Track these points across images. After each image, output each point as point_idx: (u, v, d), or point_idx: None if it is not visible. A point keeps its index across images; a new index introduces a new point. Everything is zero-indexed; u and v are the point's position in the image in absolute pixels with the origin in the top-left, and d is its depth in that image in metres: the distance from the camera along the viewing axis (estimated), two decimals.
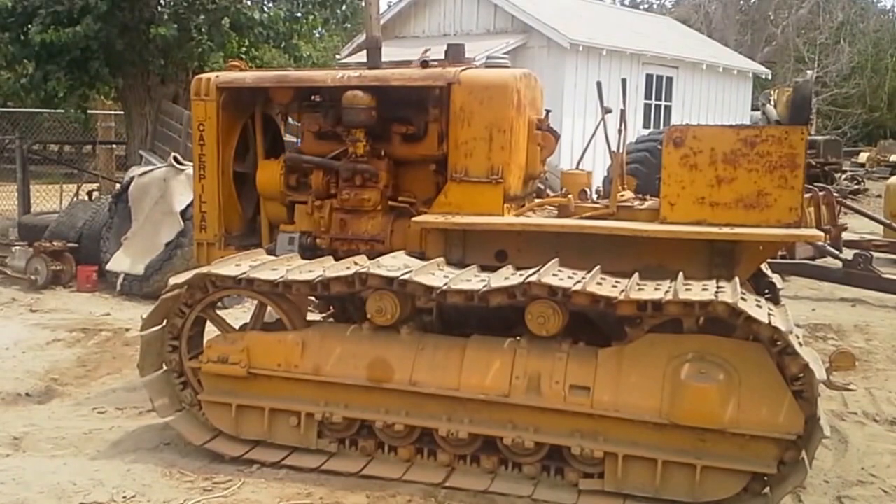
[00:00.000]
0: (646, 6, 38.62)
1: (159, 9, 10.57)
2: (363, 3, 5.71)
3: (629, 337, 3.71)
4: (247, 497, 3.68)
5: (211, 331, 4.37)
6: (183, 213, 7.68)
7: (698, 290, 3.56)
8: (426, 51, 4.49)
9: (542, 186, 5.02)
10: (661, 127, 15.69)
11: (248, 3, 11.50)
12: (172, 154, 8.28)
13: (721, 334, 3.63)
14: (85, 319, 7.06)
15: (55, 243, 8.42)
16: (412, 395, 3.84)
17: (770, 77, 22.74)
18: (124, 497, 3.66)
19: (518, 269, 3.92)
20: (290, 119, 5.06)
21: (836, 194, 10.61)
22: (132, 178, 8.36)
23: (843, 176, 21.00)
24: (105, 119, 14.64)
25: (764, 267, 4.69)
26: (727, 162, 3.91)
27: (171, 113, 11.01)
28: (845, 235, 10.25)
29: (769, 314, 3.45)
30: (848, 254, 8.69)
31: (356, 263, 3.98)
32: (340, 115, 4.40)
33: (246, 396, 4.06)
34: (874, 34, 32.97)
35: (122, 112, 12.50)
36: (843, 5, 32.07)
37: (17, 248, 8.60)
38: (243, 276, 3.90)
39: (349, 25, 18.04)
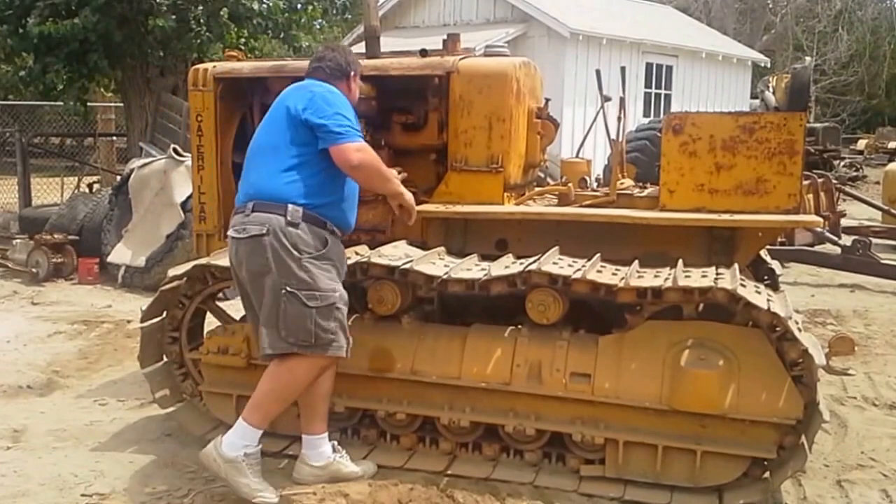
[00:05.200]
0: None
1: (157, 0, 10.54)
2: None
3: (629, 324, 3.72)
4: None
5: (211, 322, 4.38)
6: (183, 204, 7.68)
7: (698, 277, 3.57)
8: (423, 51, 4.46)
9: (542, 175, 5.02)
10: (661, 115, 15.67)
11: None
12: (172, 146, 8.27)
13: (721, 320, 3.64)
14: (86, 312, 7.07)
15: (56, 236, 8.43)
16: (414, 385, 3.85)
17: (769, 65, 22.69)
18: (125, 488, 3.67)
19: (518, 257, 3.93)
20: None
21: (834, 181, 10.59)
22: (132, 171, 8.36)
23: (842, 163, 20.96)
24: (105, 111, 14.62)
25: (763, 253, 4.70)
26: (726, 149, 3.90)
27: (170, 104, 10.97)
28: (844, 222, 10.24)
29: (768, 300, 3.45)
30: (847, 240, 8.68)
31: (357, 253, 3.97)
32: None
33: (246, 387, 4.03)
34: (872, 22, 32.81)
35: (121, 104, 12.48)
36: None
37: (19, 240, 8.61)
38: None
39: (349, 16, 18.01)
